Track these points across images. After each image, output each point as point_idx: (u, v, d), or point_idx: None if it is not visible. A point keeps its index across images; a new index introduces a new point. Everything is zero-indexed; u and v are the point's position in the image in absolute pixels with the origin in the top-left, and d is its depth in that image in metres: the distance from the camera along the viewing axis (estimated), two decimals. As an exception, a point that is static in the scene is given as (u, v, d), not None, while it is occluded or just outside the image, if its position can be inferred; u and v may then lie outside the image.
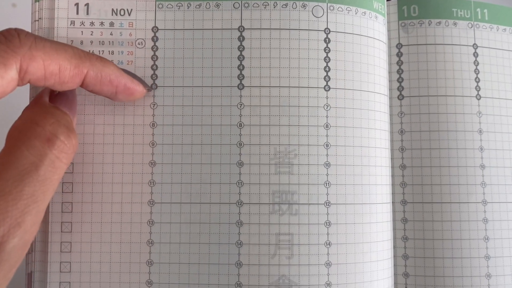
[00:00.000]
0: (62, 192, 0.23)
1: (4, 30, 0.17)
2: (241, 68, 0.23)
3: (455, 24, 0.26)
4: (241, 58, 0.23)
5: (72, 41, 0.23)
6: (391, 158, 0.25)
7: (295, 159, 0.23)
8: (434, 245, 0.25)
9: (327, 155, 0.23)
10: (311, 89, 0.23)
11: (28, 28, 0.23)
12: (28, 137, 0.17)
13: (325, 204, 0.23)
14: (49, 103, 0.19)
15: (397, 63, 0.26)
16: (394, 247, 0.25)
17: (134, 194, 0.23)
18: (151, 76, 0.23)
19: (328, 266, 0.22)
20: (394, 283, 0.25)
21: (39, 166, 0.17)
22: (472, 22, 0.26)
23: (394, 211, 0.25)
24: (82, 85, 0.20)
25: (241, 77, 0.23)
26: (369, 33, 0.24)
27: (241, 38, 0.23)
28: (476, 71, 0.26)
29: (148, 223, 0.23)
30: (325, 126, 0.23)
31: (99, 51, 0.23)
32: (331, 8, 0.23)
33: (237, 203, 0.22)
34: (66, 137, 0.18)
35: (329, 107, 0.23)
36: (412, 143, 0.25)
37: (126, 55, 0.23)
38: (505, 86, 0.26)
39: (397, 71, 0.26)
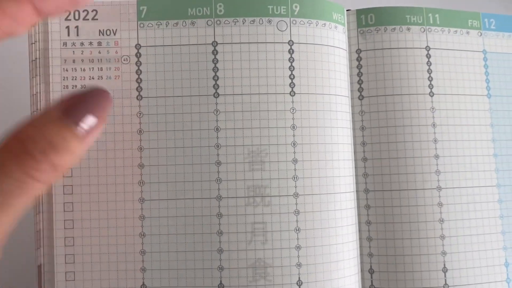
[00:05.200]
0: (64, 193, 0.26)
1: None
2: (216, 78, 0.26)
3: (408, 29, 0.29)
4: (215, 69, 0.26)
5: (66, 60, 0.26)
6: (354, 152, 0.28)
7: (266, 157, 0.26)
8: (394, 228, 0.28)
9: (294, 152, 0.26)
10: (278, 95, 0.26)
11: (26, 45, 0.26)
12: (13, 162, 0.16)
13: (294, 195, 0.26)
14: (59, 115, 0.16)
15: (357, 66, 0.29)
16: (359, 230, 0.28)
17: (127, 193, 0.26)
18: (137, 88, 0.26)
19: (298, 249, 0.26)
20: (360, 262, 0.28)
21: (13, 191, 0.16)
22: (424, 27, 0.29)
23: (358, 199, 0.28)
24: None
25: (216, 86, 0.26)
26: (329, 42, 0.27)
27: (215, 52, 0.26)
28: (429, 71, 0.29)
29: (140, 218, 0.26)
30: (292, 127, 0.26)
31: (89, 68, 0.26)
32: (294, 22, 0.26)
33: (216, 198, 0.26)
34: (54, 168, 0.16)
35: (294, 110, 0.26)
36: (372, 138, 0.28)
37: (113, 70, 0.26)
38: (457, 83, 0.29)
39: (357, 74, 0.29)
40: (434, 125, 0.28)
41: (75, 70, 0.26)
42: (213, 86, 0.26)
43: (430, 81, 0.29)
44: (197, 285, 0.25)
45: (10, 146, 0.16)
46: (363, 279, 0.28)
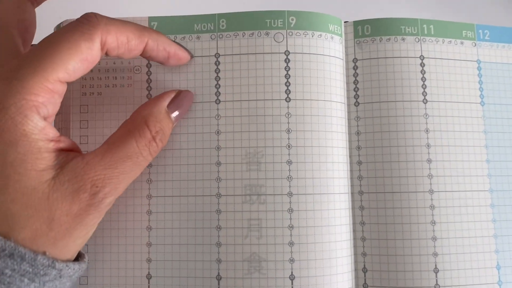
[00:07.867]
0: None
1: (84, 14, 0.23)
2: (218, 86, 0.28)
3: (403, 39, 0.30)
4: (217, 78, 0.28)
5: (85, 69, 0.29)
6: (349, 156, 0.30)
7: (262, 158, 0.28)
8: (387, 229, 0.29)
9: (289, 154, 0.28)
10: (274, 101, 0.28)
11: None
12: (139, 135, 0.24)
13: (288, 194, 0.28)
14: (166, 109, 0.26)
15: (353, 75, 0.30)
16: (354, 231, 0.30)
17: (136, 190, 0.28)
18: (147, 96, 0.29)
19: (291, 245, 0.27)
20: (354, 262, 0.29)
21: (139, 155, 0.24)
22: (419, 37, 0.30)
23: (353, 200, 0.30)
24: (143, 52, 0.26)
25: (218, 94, 0.28)
26: (324, 51, 0.29)
27: (217, 63, 0.29)
28: (423, 79, 0.30)
29: (147, 212, 0.28)
30: (286, 130, 0.28)
31: (105, 76, 0.29)
32: (290, 33, 0.28)
33: (216, 195, 0.28)
34: (160, 142, 0.25)
35: (290, 115, 0.28)
36: (366, 143, 0.30)
37: (126, 79, 0.29)
38: (450, 90, 0.30)
39: (354, 82, 0.30)
40: (427, 130, 0.30)
41: (93, 79, 0.29)
42: (215, 94, 0.28)
43: (424, 88, 0.30)
44: (197, 275, 0.28)
45: (134, 119, 0.25)
46: (357, 277, 0.29)
